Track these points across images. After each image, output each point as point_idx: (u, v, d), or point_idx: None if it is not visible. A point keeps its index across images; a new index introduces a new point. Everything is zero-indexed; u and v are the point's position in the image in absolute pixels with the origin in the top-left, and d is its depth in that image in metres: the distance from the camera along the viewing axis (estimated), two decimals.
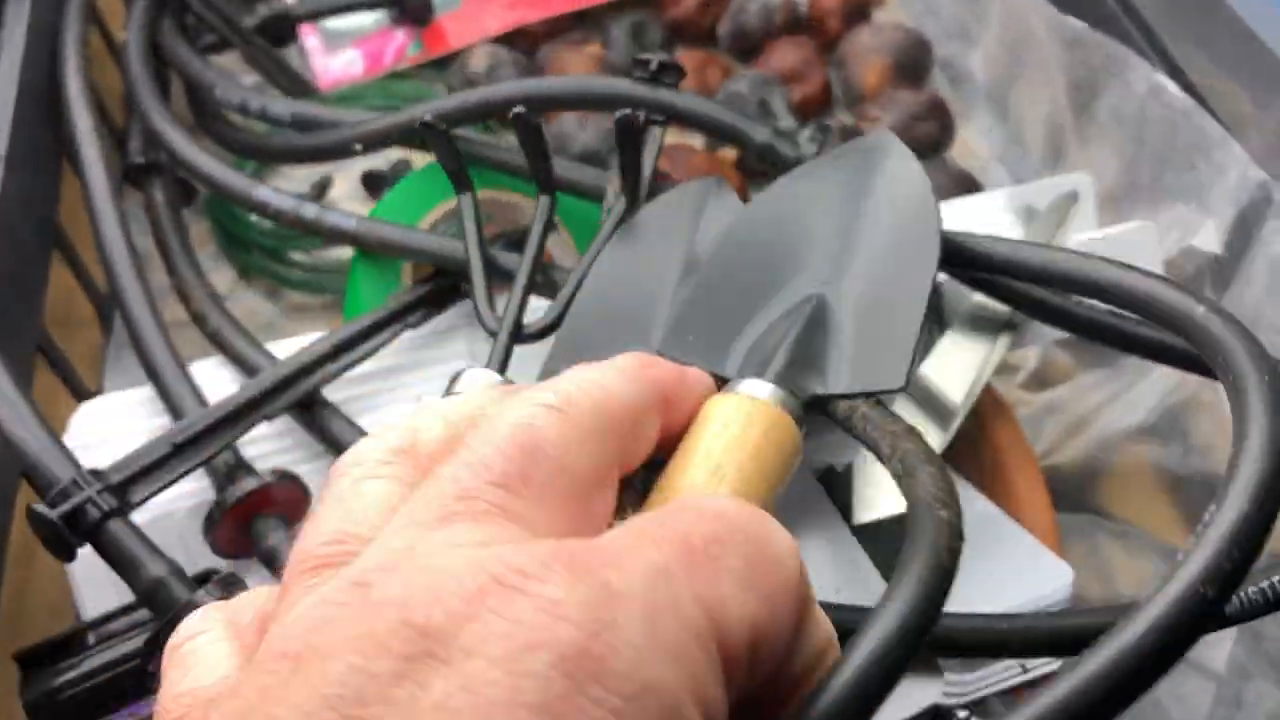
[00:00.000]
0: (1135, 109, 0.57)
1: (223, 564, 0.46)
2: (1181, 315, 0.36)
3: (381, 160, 0.69)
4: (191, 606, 0.39)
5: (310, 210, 0.54)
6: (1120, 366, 0.58)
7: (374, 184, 0.69)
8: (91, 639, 0.44)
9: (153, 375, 0.49)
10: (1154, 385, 0.55)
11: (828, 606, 0.40)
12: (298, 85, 0.71)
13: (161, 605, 0.39)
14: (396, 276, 0.56)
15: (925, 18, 0.76)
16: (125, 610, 0.45)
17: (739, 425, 0.36)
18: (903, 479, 0.35)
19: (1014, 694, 0.44)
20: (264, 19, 0.70)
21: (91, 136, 0.57)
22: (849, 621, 0.40)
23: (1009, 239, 0.46)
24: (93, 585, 0.46)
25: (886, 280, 0.43)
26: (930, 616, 0.28)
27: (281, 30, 0.71)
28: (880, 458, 0.38)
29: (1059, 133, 0.64)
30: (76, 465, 0.40)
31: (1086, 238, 0.54)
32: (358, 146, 0.55)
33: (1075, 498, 0.55)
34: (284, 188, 0.56)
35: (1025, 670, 0.44)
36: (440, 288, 0.51)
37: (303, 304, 0.66)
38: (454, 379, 0.42)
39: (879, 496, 0.48)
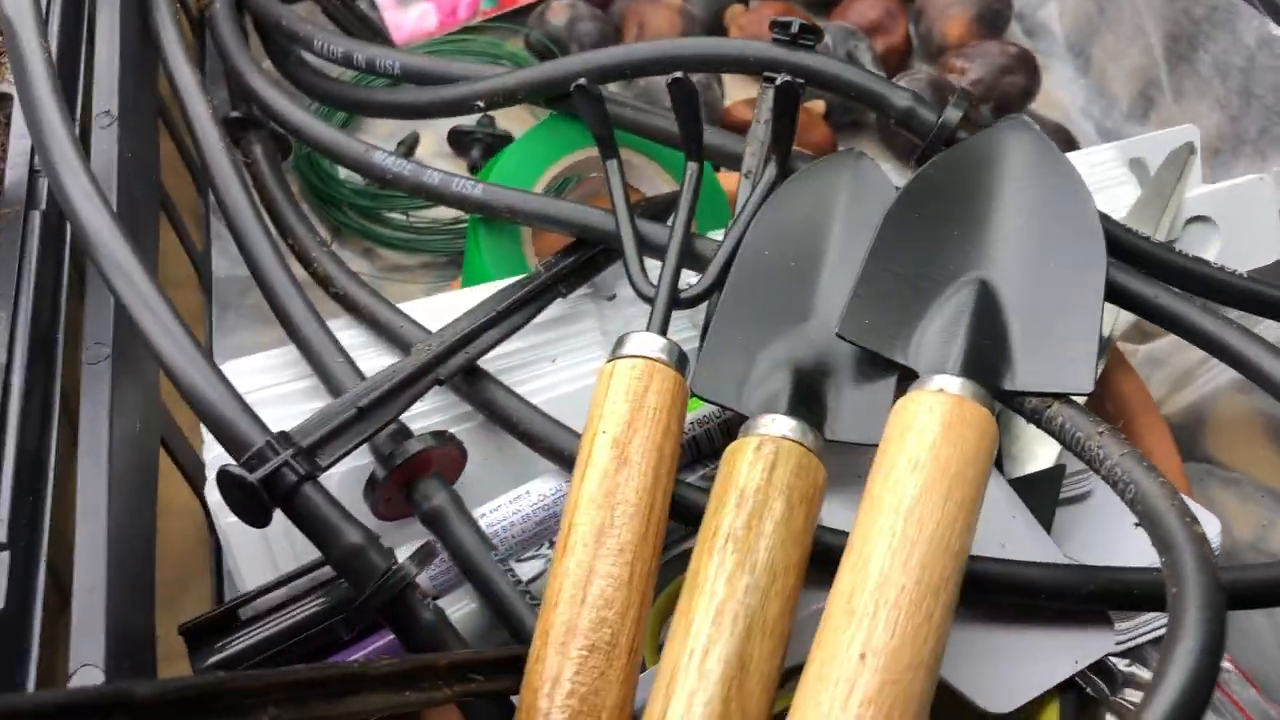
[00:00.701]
0: (1243, 60, 0.58)
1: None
2: None
3: (469, 117, 0.69)
4: (394, 577, 0.40)
5: (433, 176, 0.53)
6: None
7: (461, 141, 0.68)
8: (247, 612, 0.45)
9: (296, 338, 0.49)
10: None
11: (994, 560, 0.42)
12: (377, 39, 0.70)
13: (360, 573, 0.39)
14: (517, 243, 0.56)
15: None
16: (280, 583, 0.45)
17: (940, 419, 0.38)
18: (1133, 500, 0.37)
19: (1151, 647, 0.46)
20: None
21: (198, 91, 0.55)
22: (1014, 575, 0.42)
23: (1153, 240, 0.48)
24: (250, 557, 0.46)
25: (1052, 272, 0.44)
26: (1221, 636, 0.31)
27: None
28: (1085, 459, 0.39)
29: (1152, 85, 0.65)
30: (266, 429, 0.40)
31: (1200, 192, 0.55)
32: (480, 103, 0.55)
33: (1185, 447, 0.57)
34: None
35: (1154, 628, 0.46)
36: (591, 256, 0.51)
37: (399, 263, 0.65)
38: (620, 342, 0.43)
39: (1025, 453, 0.49)
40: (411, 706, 0.34)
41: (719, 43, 0.52)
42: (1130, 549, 0.46)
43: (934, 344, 0.42)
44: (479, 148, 0.67)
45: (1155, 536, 0.37)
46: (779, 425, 0.40)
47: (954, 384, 0.39)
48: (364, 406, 0.42)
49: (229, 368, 0.51)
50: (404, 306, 0.51)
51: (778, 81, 0.47)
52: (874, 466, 0.39)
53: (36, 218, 0.49)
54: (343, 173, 0.67)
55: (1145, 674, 0.44)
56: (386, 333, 0.50)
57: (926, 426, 0.38)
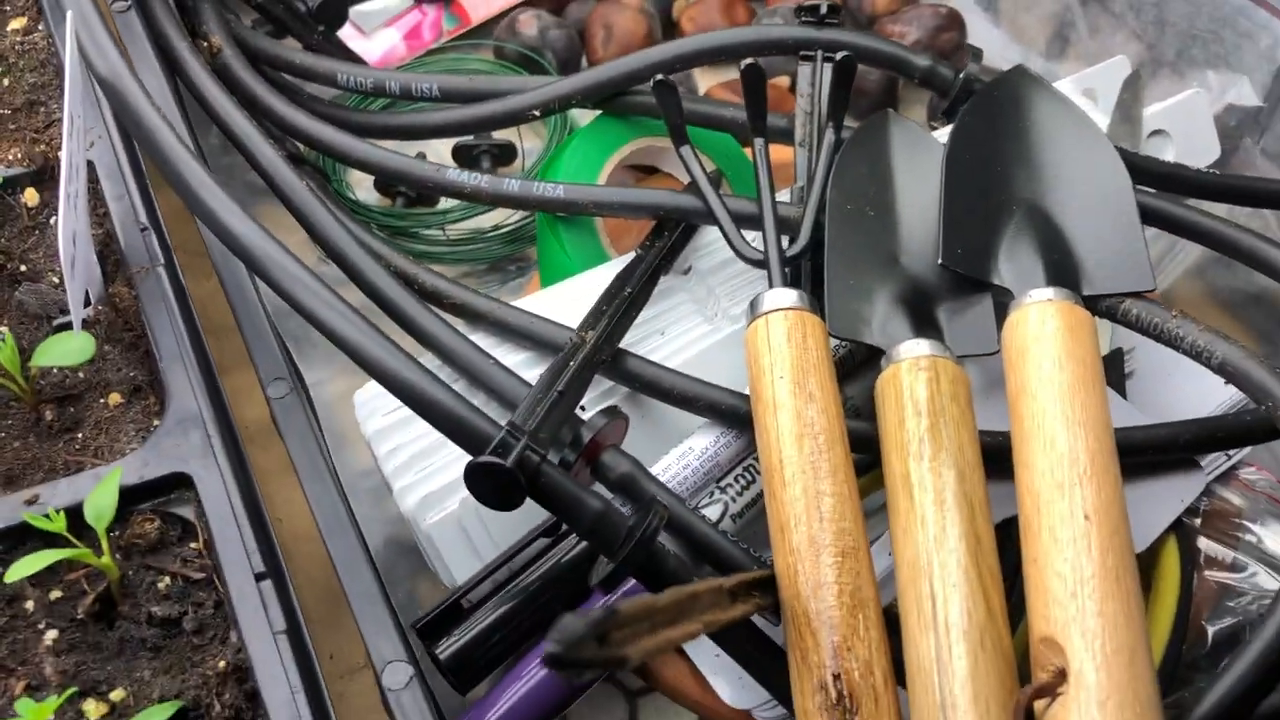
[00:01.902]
0: None
1: None
2: None
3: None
4: (645, 532, 0.44)
5: (513, 185, 0.57)
6: None
7: (467, 155, 0.72)
8: (467, 602, 0.49)
9: (441, 351, 0.52)
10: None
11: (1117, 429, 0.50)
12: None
13: (608, 535, 0.44)
14: (594, 235, 0.60)
15: None
16: (489, 573, 0.49)
17: (1061, 325, 0.45)
18: (1220, 365, 0.46)
19: (1227, 478, 0.55)
20: (320, 4, 0.70)
21: (260, 136, 0.57)
22: (1135, 438, 0.50)
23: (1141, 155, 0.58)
24: (457, 553, 0.50)
25: (1089, 190, 0.53)
26: None
27: (335, 13, 0.72)
28: (1166, 340, 0.48)
29: (1065, 27, 0.75)
30: (496, 424, 0.44)
31: (1153, 110, 0.65)
32: (536, 112, 0.59)
33: None
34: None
35: (1229, 458, 0.55)
36: (681, 234, 0.56)
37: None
38: (758, 301, 0.49)
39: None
40: (729, 620, 0.39)
41: (761, 30, 0.58)
42: (1174, 409, 0.56)
43: (1021, 264, 0.50)
44: (487, 159, 0.71)
45: (1248, 387, 0.45)
46: (920, 347, 0.47)
47: (1059, 293, 0.47)
48: (563, 390, 0.47)
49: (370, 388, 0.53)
50: (525, 301, 0.55)
51: (838, 57, 0.54)
52: (1017, 371, 0.45)
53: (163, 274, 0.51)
54: (360, 195, 0.69)
55: (1222, 504, 0.54)
56: (516, 332, 0.54)
57: (1052, 331, 0.45)
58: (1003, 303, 0.49)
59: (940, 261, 0.51)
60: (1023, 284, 0.49)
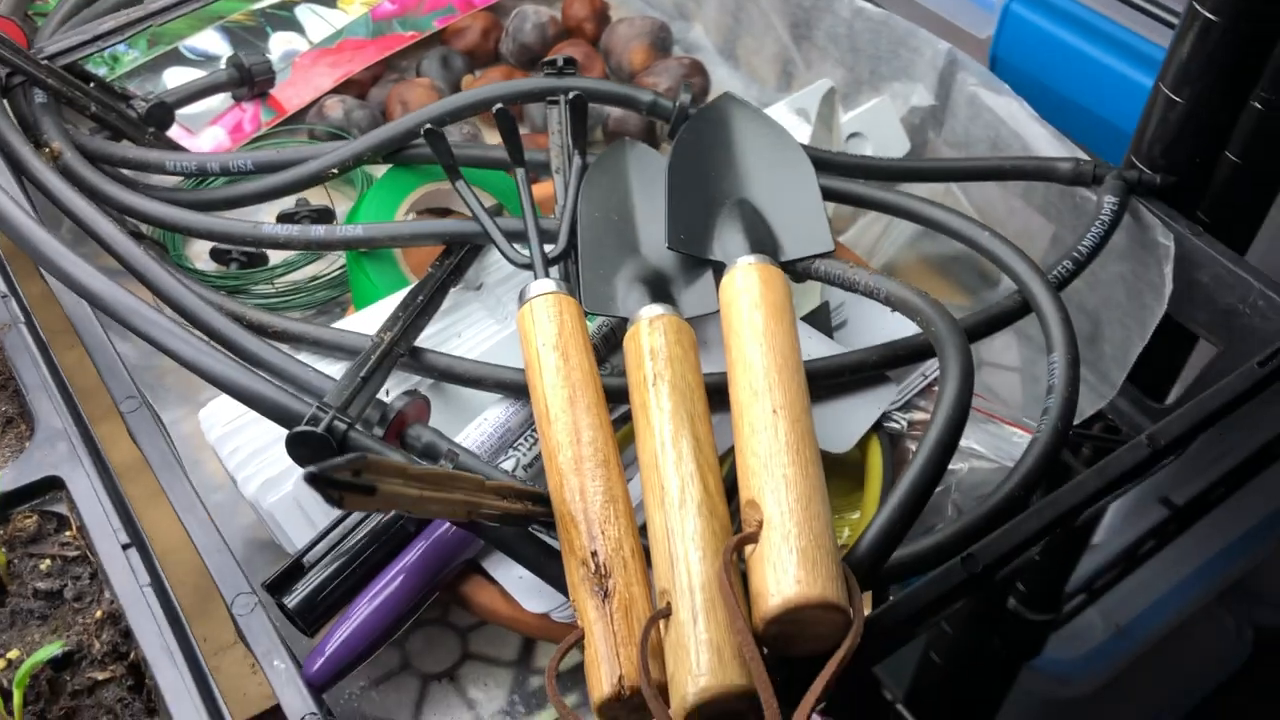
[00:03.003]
0: (845, 29, 0.83)
1: None
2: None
3: (290, 202, 0.83)
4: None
5: (318, 231, 0.69)
6: None
7: (288, 221, 0.83)
8: (310, 560, 0.59)
9: (263, 367, 0.62)
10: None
11: (813, 360, 0.63)
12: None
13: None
14: (394, 264, 0.72)
15: (649, 10, 0.99)
16: (322, 536, 0.59)
17: (758, 279, 0.58)
18: (886, 298, 0.59)
19: (927, 391, 0.68)
20: (148, 109, 0.81)
21: (101, 217, 0.68)
22: (828, 364, 0.62)
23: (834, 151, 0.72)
24: (296, 525, 0.60)
25: (781, 181, 0.66)
26: (969, 353, 0.52)
27: (163, 116, 0.83)
28: (847, 286, 0.61)
29: (788, 64, 0.89)
30: (307, 402, 0.55)
31: (849, 116, 0.80)
32: (334, 171, 0.71)
33: None
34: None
35: (925, 377, 0.68)
36: (466, 254, 0.68)
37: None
38: (525, 291, 0.61)
39: (803, 301, 0.71)
40: (505, 510, 0.50)
41: (511, 84, 0.71)
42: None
43: (730, 242, 0.62)
44: (308, 221, 0.82)
45: (908, 310, 0.59)
46: (654, 310, 0.59)
47: (754, 259, 0.60)
48: (365, 375, 0.58)
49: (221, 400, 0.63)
50: (344, 321, 0.66)
51: (569, 96, 0.67)
52: (727, 318, 0.58)
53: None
54: (199, 265, 0.80)
55: (920, 415, 0.66)
56: (331, 346, 0.64)
57: (752, 284, 0.58)
58: (719, 273, 0.62)
59: (668, 246, 0.63)
60: (732, 255, 0.61)
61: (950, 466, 0.66)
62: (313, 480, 0.35)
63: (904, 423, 0.66)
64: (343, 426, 0.54)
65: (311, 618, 0.57)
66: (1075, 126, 0.80)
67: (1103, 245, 0.67)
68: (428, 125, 0.66)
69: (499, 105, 0.65)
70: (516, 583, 0.59)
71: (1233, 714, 1.55)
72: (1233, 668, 1.53)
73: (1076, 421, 0.74)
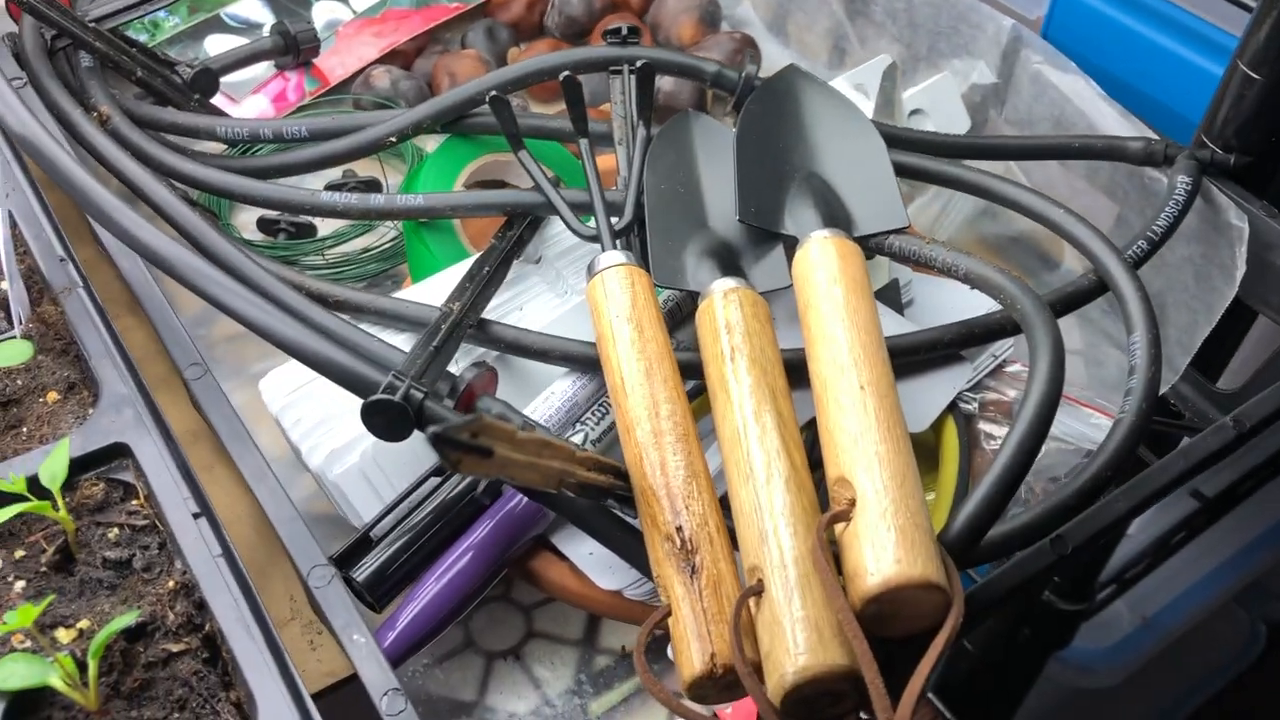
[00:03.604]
0: (904, 4, 0.82)
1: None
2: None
3: (337, 174, 0.82)
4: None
5: (378, 200, 0.67)
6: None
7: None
8: (377, 533, 0.57)
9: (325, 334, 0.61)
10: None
11: (890, 337, 0.62)
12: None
13: None
14: (454, 235, 0.70)
15: None
16: (390, 509, 0.58)
17: (835, 254, 0.57)
18: (966, 275, 0.58)
19: (998, 372, 0.67)
20: (193, 76, 0.80)
21: (156, 183, 0.66)
22: (905, 341, 0.61)
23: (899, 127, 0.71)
24: (361, 496, 0.58)
25: (852, 155, 0.65)
26: (1058, 330, 0.52)
27: (208, 82, 0.81)
28: (924, 263, 0.60)
29: (840, 40, 0.88)
30: (383, 372, 0.53)
31: (910, 93, 0.78)
32: (392, 139, 0.69)
33: None
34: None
35: (995, 358, 0.67)
36: (528, 226, 0.66)
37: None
38: (594, 263, 0.59)
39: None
40: (587, 479, 0.48)
41: (576, 51, 0.70)
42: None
43: (802, 216, 0.61)
44: (358, 191, 0.80)
45: (990, 288, 0.57)
46: (727, 284, 0.57)
47: (828, 233, 0.58)
48: (438, 346, 0.56)
49: (284, 369, 0.62)
50: (409, 291, 0.64)
51: (637, 65, 0.65)
52: (803, 293, 0.57)
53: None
54: (246, 236, 0.78)
55: (993, 395, 0.65)
56: (394, 316, 0.63)
57: (828, 258, 0.57)
58: (792, 247, 0.60)
59: (738, 219, 0.62)
60: (804, 229, 0.60)
61: None
62: (436, 440, 0.34)
63: (976, 403, 0.65)
64: (419, 395, 0.53)
65: (380, 592, 0.55)
66: (1129, 110, 0.79)
67: (1176, 226, 0.66)
68: (494, 92, 0.64)
69: (566, 73, 0.63)
70: (587, 559, 0.58)
71: (1244, 710, 1.55)
72: (1246, 664, 1.53)
73: None
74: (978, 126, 0.80)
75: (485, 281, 0.62)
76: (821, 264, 0.57)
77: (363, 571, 0.55)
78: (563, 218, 0.64)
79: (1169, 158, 0.69)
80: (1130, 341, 0.58)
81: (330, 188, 0.81)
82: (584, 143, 0.66)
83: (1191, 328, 0.72)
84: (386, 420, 0.52)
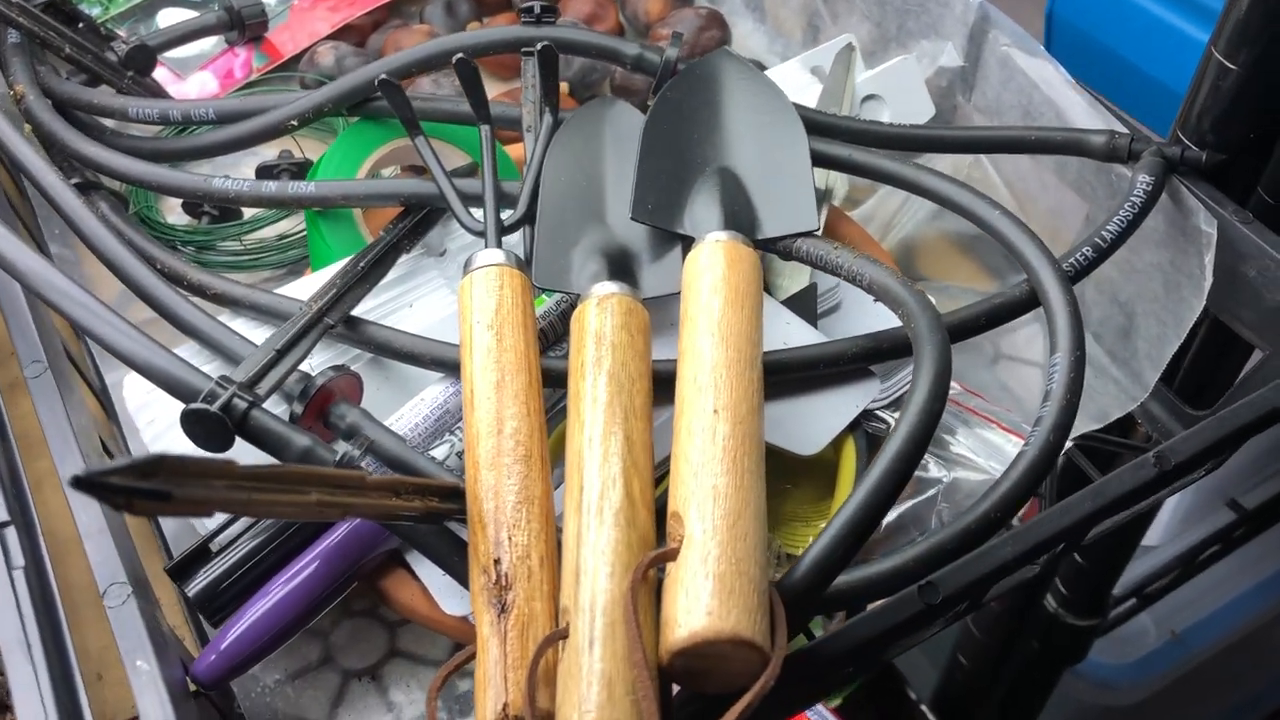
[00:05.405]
0: None
1: None
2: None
3: (271, 153, 0.79)
4: (345, 463, 0.50)
5: (269, 186, 0.64)
6: None
7: (267, 175, 0.78)
8: (216, 545, 0.54)
9: (194, 335, 0.58)
10: None
11: (784, 349, 0.56)
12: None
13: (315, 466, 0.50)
14: (353, 225, 0.67)
15: None
16: (235, 517, 0.55)
17: (723, 259, 0.51)
18: (869, 285, 0.52)
19: None
20: (127, 53, 0.77)
21: (45, 165, 0.64)
22: (800, 355, 0.56)
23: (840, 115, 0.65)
24: None
25: (770, 152, 0.60)
26: (948, 348, 0.46)
27: (144, 60, 0.78)
28: (829, 270, 0.54)
29: (814, 18, 0.82)
30: (208, 377, 0.50)
31: (866, 76, 0.72)
32: (293, 123, 0.66)
33: (903, 270, 0.73)
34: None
35: None
36: (420, 218, 0.62)
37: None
38: (470, 261, 0.55)
39: (788, 282, 0.64)
40: (394, 509, 0.45)
41: (483, 33, 0.65)
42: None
43: (701, 215, 0.56)
44: (287, 176, 0.78)
45: (889, 300, 0.52)
46: (606, 288, 0.53)
47: (724, 235, 0.53)
48: (281, 348, 0.53)
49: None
50: (290, 287, 0.61)
51: (537, 47, 0.61)
52: (684, 301, 0.52)
53: None
54: (170, 218, 0.76)
55: None
56: (268, 311, 0.60)
57: (715, 264, 0.52)
58: (689, 249, 0.55)
59: (631, 216, 0.57)
60: (701, 229, 0.55)
61: (936, 475, 0.59)
62: (80, 485, 0.30)
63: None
64: (243, 405, 0.49)
65: (214, 607, 0.52)
66: (1138, 92, 0.72)
67: (1131, 231, 0.59)
68: (383, 76, 0.60)
69: (459, 56, 0.59)
70: (438, 580, 0.54)
71: None
72: None
73: (1101, 425, 0.66)
74: (945, 114, 0.74)
75: (358, 278, 0.58)
76: (707, 269, 0.52)
77: (195, 585, 0.52)
78: (452, 210, 0.60)
79: (1134, 153, 0.62)
80: (1051, 363, 0.51)
81: (262, 169, 0.79)
82: (484, 129, 0.62)
83: (1161, 340, 0.65)
84: (205, 430, 0.49)
